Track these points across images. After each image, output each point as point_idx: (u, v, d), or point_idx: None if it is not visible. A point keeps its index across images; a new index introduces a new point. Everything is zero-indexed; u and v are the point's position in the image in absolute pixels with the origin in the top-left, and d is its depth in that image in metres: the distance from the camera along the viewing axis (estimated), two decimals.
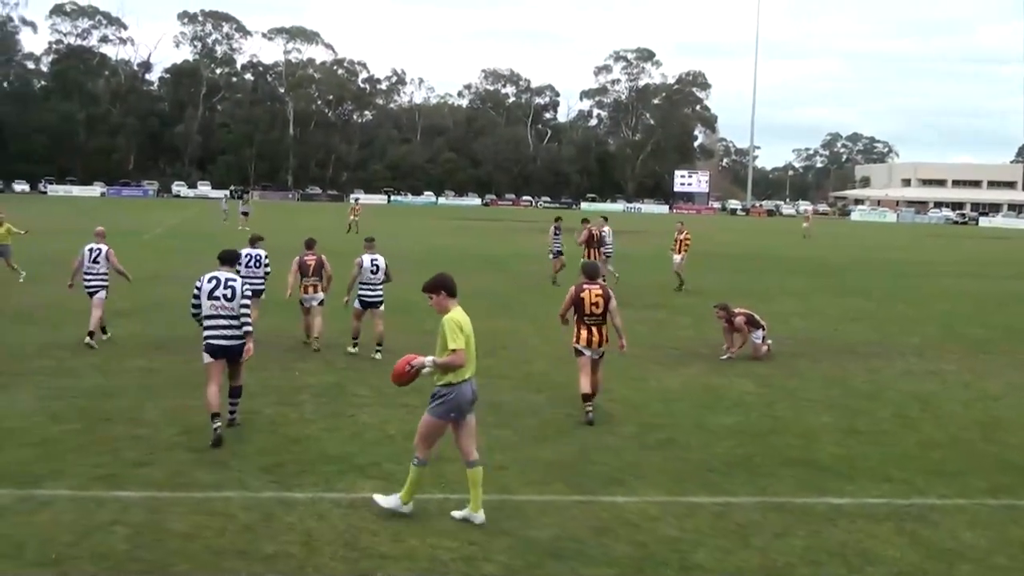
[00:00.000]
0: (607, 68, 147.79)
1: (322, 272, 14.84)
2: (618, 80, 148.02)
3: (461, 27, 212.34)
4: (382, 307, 14.22)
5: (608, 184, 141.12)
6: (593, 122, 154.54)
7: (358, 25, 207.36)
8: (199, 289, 9.65)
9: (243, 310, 9.57)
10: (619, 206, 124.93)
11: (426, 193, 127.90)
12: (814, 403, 11.83)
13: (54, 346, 14.02)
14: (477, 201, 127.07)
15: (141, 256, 26.81)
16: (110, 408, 10.41)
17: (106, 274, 14.79)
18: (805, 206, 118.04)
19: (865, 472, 8.95)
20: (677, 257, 24.84)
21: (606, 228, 24.39)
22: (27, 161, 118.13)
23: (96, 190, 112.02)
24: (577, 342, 10.83)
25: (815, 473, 8.88)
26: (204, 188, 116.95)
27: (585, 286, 10.86)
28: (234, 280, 9.70)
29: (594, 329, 10.75)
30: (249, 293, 10.01)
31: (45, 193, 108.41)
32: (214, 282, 9.61)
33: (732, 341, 14.80)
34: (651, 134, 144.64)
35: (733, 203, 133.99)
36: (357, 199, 66.40)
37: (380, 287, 14.20)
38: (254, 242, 15.41)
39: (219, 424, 9.21)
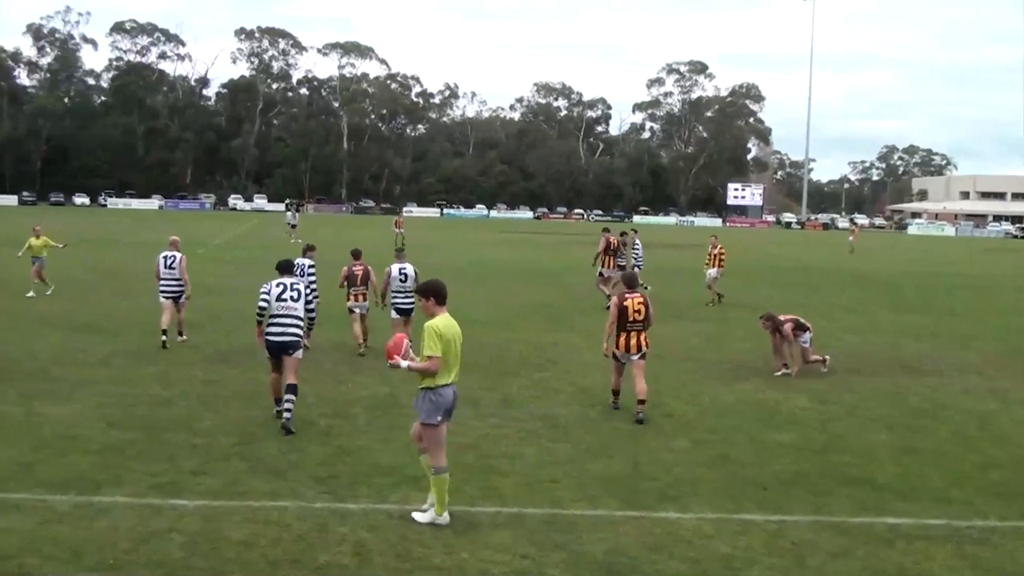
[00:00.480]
0: (660, 81, 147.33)
1: (368, 282, 15.49)
2: (671, 93, 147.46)
3: (513, 41, 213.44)
4: (413, 314, 14.56)
5: (660, 197, 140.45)
6: (646, 135, 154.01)
7: (411, 40, 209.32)
8: (267, 293, 10.65)
9: (311, 296, 11.05)
10: (671, 219, 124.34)
11: (478, 206, 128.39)
12: (871, 420, 11.63)
13: (115, 355, 14.30)
14: (529, 214, 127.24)
15: (199, 268, 27.25)
16: (168, 417, 10.59)
17: (180, 279, 15.77)
18: (858, 219, 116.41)
19: (924, 492, 8.77)
20: (712, 271, 24.55)
21: (637, 240, 24.74)
22: (88, 175, 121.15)
23: (154, 203, 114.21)
24: (617, 348, 11.40)
25: (872, 492, 8.72)
26: (260, 201, 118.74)
27: (627, 296, 11.47)
28: (298, 284, 10.96)
29: (634, 335, 11.37)
30: (315, 282, 11.41)
31: (105, 206, 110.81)
32: (281, 287, 10.70)
33: (782, 354, 14.63)
34: (704, 147, 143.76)
35: (788, 216, 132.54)
36: (399, 212, 66.70)
37: (411, 295, 14.51)
38: (306, 251, 15.90)
39: (282, 407, 10.26)
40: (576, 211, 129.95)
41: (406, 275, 14.76)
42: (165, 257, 15.93)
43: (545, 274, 31.99)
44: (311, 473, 8.66)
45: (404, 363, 7.74)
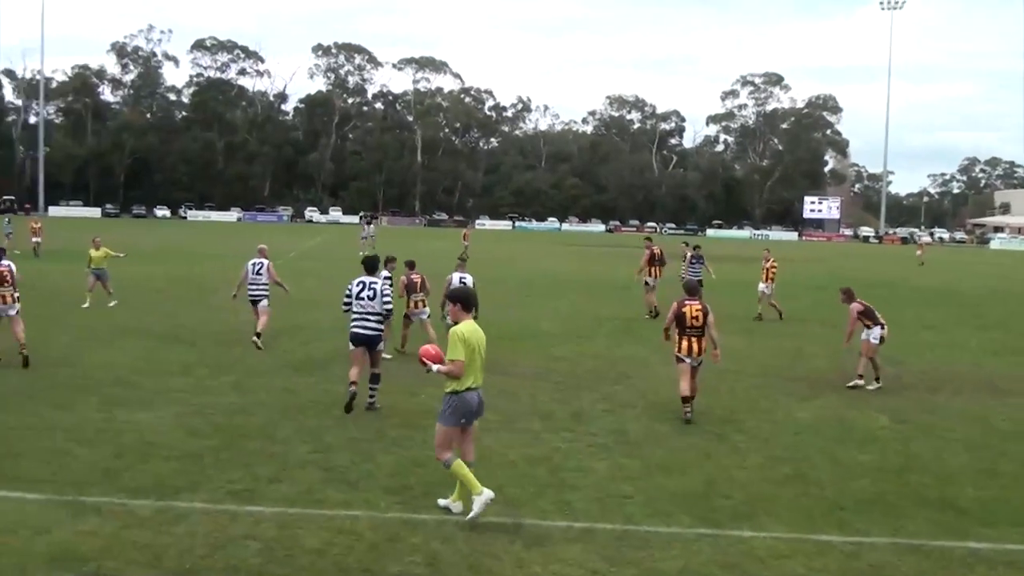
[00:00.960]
0: (734, 93, 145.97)
1: (424, 289, 16.28)
2: (745, 105, 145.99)
3: (586, 55, 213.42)
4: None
5: (735, 210, 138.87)
6: (719, 147, 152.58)
7: (485, 55, 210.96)
8: (350, 292, 11.75)
9: (385, 307, 11.75)
10: (746, 233, 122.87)
11: (550, 219, 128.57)
12: (952, 441, 11.30)
13: (193, 365, 14.62)
14: (601, 227, 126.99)
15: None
16: (246, 425, 10.78)
17: (267, 285, 16.98)
18: (923, 235, 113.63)
19: (1006, 517, 8.48)
20: (762, 286, 24.07)
21: (692, 254, 25.14)
22: (169, 188, 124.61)
23: (233, 215, 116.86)
24: (679, 352, 12.08)
25: (953, 515, 8.46)
26: (335, 213, 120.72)
27: (687, 302, 12.16)
28: (375, 283, 11.81)
29: (694, 340, 11.98)
30: (389, 293, 12.22)
31: (185, 218, 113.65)
32: (360, 285, 11.73)
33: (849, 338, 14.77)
34: (779, 159, 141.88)
35: (865, 230, 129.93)
36: (469, 225, 66.97)
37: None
38: (387, 262, 16.16)
39: (354, 390, 11.23)
40: (649, 224, 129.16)
41: (464, 283, 15.36)
42: (253, 264, 17.05)
43: (616, 287, 31.82)
44: (383, 483, 8.74)
45: (435, 367, 8.07)
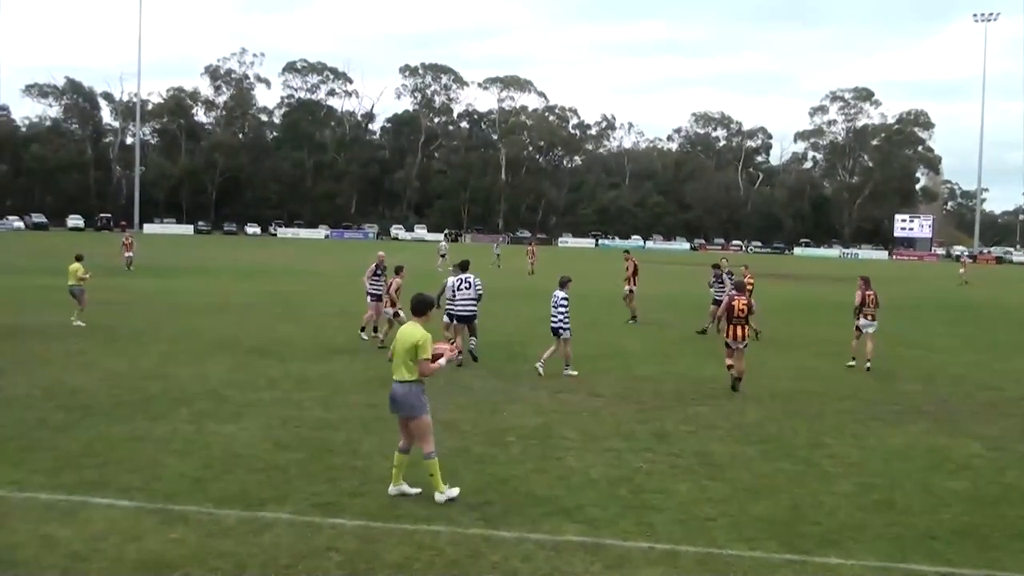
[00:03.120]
0: (823, 109, 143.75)
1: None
2: (834, 121, 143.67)
3: (671, 72, 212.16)
4: (568, 333, 16.17)
5: (823, 229, 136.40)
6: (807, 164, 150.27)
7: (569, 73, 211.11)
8: (450, 286, 16.51)
9: (478, 291, 16.80)
10: (834, 252, 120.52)
11: (633, 237, 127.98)
12: None
13: (281, 379, 14.89)
14: (686, 245, 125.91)
15: (360, 295, 28.33)
16: (331, 439, 10.93)
17: (383, 288, 19.31)
18: (963, 252, 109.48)
19: None
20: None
21: (723, 271, 24.49)
22: (259, 206, 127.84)
23: (321, 233, 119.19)
24: (728, 337, 15.16)
25: None
26: (420, 231, 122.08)
27: (736, 296, 15.43)
28: (470, 277, 16.69)
29: (739, 328, 15.04)
30: (480, 285, 16.88)
31: (275, 235, 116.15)
32: (459, 280, 16.63)
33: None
34: (869, 176, 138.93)
35: (958, 249, 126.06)
36: (531, 241, 66.93)
37: (562, 318, 16.13)
38: (464, 267, 17.50)
39: (462, 358, 15.26)
40: (734, 242, 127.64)
41: (561, 296, 16.22)
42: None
43: (701, 306, 31.41)
44: (465, 500, 8.75)
45: (443, 363, 9.00)
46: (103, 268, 39.57)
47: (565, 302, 16.11)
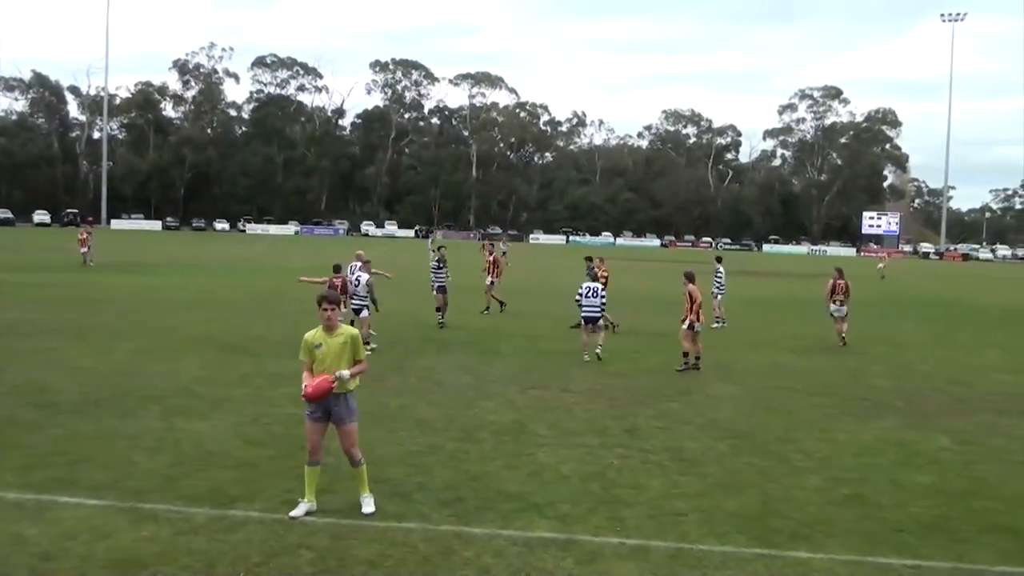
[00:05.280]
0: (792, 107, 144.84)
1: (345, 292, 17.88)
2: (803, 119, 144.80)
3: (642, 70, 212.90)
4: (601, 322, 18.06)
5: (792, 225, 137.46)
6: (776, 162, 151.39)
7: (541, 70, 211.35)
8: (581, 292, 17.84)
9: (602, 301, 17.85)
10: (803, 248, 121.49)
11: (604, 234, 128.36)
12: (1018, 464, 10.97)
13: (254, 375, 14.81)
14: (656, 242, 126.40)
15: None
16: (302, 436, 10.73)
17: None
18: (881, 250, 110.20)
19: None
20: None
21: (720, 268, 25.28)
22: (229, 202, 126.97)
23: (291, 229, 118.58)
24: (698, 320, 16.82)
25: (1017, 541, 8.19)
26: (391, 227, 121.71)
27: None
28: (594, 286, 17.85)
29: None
30: (604, 293, 18.17)
31: (244, 232, 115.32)
32: (587, 288, 17.78)
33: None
34: (838, 174, 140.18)
35: (925, 246, 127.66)
36: (504, 240, 67.37)
37: (599, 308, 17.82)
38: (594, 278, 18.86)
39: (587, 357, 17.22)
40: (704, 239, 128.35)
41: (594, 291, 17.95)
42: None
43: (671, 303, 31.56)
44: (437, 496, 8.74)
45: (347, 373, 8.16)
46: (69, 264, 39.17)
47: (604, 294, 18.13)
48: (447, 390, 14.12)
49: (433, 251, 51.06)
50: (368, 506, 8.23)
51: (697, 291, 17.22)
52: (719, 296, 24.96)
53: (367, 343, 17.52)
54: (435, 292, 23.18)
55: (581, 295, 17.93)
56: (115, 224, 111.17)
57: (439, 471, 9.63)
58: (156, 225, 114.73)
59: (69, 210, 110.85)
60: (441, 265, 23.75)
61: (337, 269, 18.86)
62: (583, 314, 17.85)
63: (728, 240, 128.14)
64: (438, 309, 22.75)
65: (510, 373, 15.82)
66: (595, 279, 18.55)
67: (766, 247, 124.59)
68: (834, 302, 21.67)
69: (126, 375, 14.46)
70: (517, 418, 12.31)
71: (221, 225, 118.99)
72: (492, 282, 26.54)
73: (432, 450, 10.42)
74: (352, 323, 17.89)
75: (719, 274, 25.20)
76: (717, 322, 24.17)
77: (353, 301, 18.30)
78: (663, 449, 10.92)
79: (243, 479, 9.09)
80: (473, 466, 9.87)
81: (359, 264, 19.45)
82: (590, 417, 12.56)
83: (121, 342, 17.98)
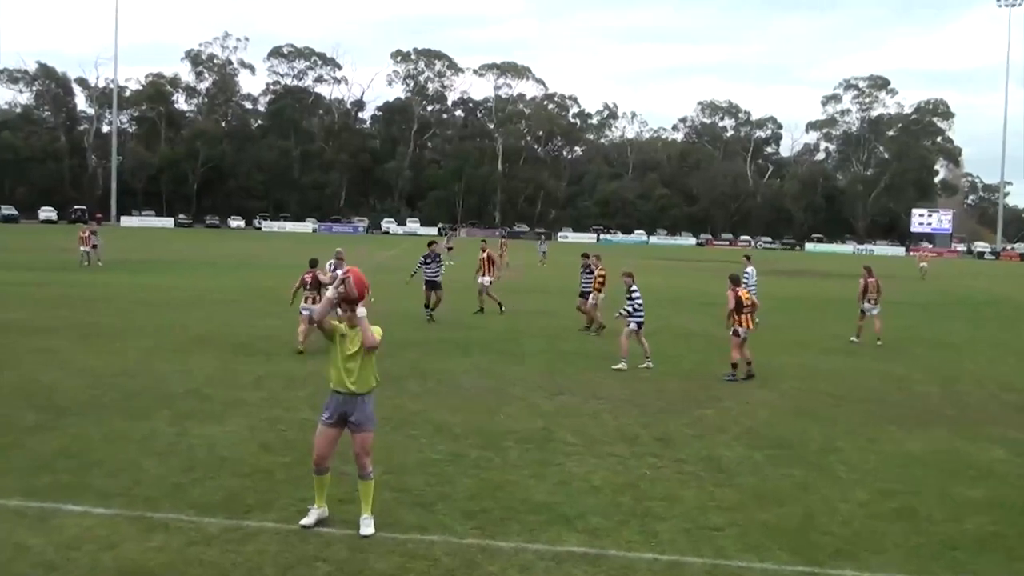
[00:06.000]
0: (836, 98, 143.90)
1: (320, 287, 17.95)
2: (848, 110, 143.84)
3: (677, 60, 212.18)
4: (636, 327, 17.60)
5: (836, 223, 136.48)
6: (820, 156, 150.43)
7: (570, 60, 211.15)
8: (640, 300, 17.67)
9: (637, 311, 17.56)
10: (848, 247, 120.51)
11: (637, 232, 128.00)
12: None
13: (268, 377, 14.87)
14: (691, 240, 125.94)
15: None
16: None
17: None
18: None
19: None
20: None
21: (749, 268, 24.90)
22: (243, 197, 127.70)
23: (308, 226, 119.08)
24: (741, 325, 16.52)
25: None
26: (413, 224, 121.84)
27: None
28: (636, 291, 17.65)
29: (747, 317, 16.66)
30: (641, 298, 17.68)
31: (259, 229, 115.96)
32: (637, 293, 17.61)
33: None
34: (885, 168, 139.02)
35: (981, 245, 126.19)
36: (503, 235, 67.65)
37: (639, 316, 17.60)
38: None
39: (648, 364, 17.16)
40: (743, 237, 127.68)
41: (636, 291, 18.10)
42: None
43: (705, 303, 31.42)
44: (460, 507, 8.73)
45: (363, 311, 8.04)
46: (75, 264, 39.50)
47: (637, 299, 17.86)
48: (468, 395, 14.12)
49: (447, 248, 51.76)
50: (367, 527, 7.96)
51: (742, 295, 16.88)
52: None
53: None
54: (424, 288, 23.84)
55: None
56: (124, 221, 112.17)
57: (461, 480, 9.62)
58: (168, 222, 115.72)
59: (76, 207, 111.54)
60: (429, 260, 24.16)
61: (313, 264, 18.90)
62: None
63: (768, 238, 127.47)
64: (426, 305, 23.56)
65: (534, 377, 15.81)
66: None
67: (808, 246, 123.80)
68: (868, 300, 22.54)
69: (135, 376, 14.56)
70: (543, 425, 12.28)
71: (236, 222, 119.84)
72: (490, 281, 26.35)
73: (454, 458, 10.41)
74: None
75: (748, 274, 25.07)
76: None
77: None
78: (698, 459, 10.85)
79: (258, 487, 9.11)
80: (497, 475, 9.85)
81: (334, 262, 19.64)
82: (620, 424, 12.51)
83: (129, 342, 18.12)
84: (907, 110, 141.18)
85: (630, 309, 17.64)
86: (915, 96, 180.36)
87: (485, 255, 26.36)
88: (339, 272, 18.25)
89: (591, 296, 22.39)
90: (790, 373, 17.36)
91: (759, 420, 13.11)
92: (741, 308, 16.63)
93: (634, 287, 17.85)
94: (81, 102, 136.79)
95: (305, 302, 18.07)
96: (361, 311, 8.02)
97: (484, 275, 26.01)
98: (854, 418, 13.56)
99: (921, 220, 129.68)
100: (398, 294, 26.58)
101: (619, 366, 16.96)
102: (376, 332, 8.05)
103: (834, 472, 10.52)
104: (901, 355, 20.57)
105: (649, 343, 17.79)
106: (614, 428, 12.28)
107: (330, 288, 8.15)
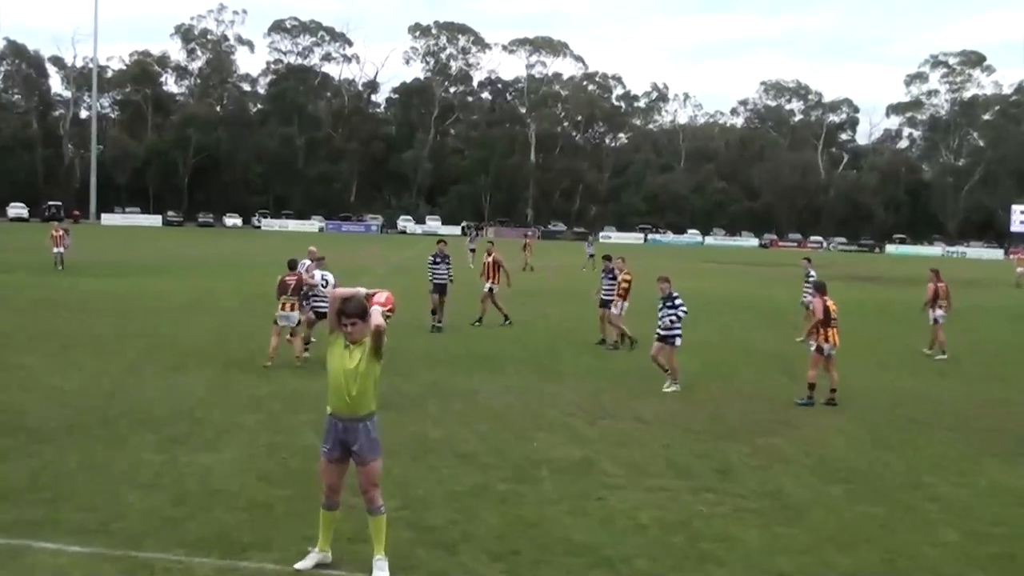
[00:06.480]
0: (921, 76, 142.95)
1: (301, 291, 18.50)
2: (936, 91, 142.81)
3: (735, 34, 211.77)
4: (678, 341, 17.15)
5: (922, 220, 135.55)
6: (903, 144, 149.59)
7: (613, 34, 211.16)
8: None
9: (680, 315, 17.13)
10: (936, 249, 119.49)
11: (690, 231, 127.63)
12: None
13: (268, 398, 14.96)
14: (753, 241, 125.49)
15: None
16: None
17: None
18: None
19: None
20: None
21: (812, 271, 25.72)
22: (241, 192, 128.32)
23: (314, 224, 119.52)
24: (824, 342, 16.30)
25: None
26: (433, 223, 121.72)
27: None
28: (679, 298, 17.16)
29: (834, 331, 16.54)
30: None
31: (259, 228, 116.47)
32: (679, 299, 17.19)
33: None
34: (980, 158, 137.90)
35: None
36: (527, 235, 68.18)
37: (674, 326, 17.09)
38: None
39: (672, 387, 16.74)
40: (813, 238, 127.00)
41: (327, 282, 18.31)
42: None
43: (771, 313, 31.31)
44: (487, 547, 8.73)
45: (379, 316, 8.09)
46: (49, 266, 39.92)
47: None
48: (498, 418, 14.12)
49: (471, 250, 51.83)
50: (380, 571, 7.92)
51: (830, 305, 16.68)
52: (811, 305, 24.56)
53: (306, 349, 18.65)
54: (431, 292, 24.39)
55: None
56: (106, 219, 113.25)
57: (489, 517, 9.61)
58: (155, 220, 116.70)
59: (51, 203, 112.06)
60: (439, 260, 24.72)
61: (292, 266, 19.05)
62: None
63: (842, 239, 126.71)
64: (433, 311, 24.09)
65: (574, 398, 15.79)
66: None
67: (890, 248, 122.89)
68: (937, 307, 22.90)
69: (117, 396, 14.68)
70: (583, 453, 12.26)
71: (232, 220, 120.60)
72: (491, 288, 25.94)
73: (480, 491, 10.41)
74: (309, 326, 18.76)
75: (811, 278, 24.98)
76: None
77: (316, 302, 18.53)
78: (761, 494, 10.80)
79: (256, 523, 9.15)
80: (530, 511, 9.84)
81: (308, 263, 19.78)
82: (672, 454, 12.47)
83: (110, 356, 18.29)
84: (1006, 90, 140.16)
85: (669, 320, 17.06)
86: (1015, 75, 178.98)
87: (491, 259, 26.13)
88: (319, 274, 18.26)
89: (614, 304, 22.10)
90: (869, 395, 17.25)
91: (833, 449, 13.03)
92: (828, 320, 16.48)
93: (675, 293, 17.30)
94: (56, 84, 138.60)
95: (283, 309, 18.14)
96: (377, 313, 8.05)
97: (489, 280, 25.79)
98: (943, 448, 13.44)
99: (1022, 218, 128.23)
100: (418, 302, 26.64)
101: (671, 387, 16.85)
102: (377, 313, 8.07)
103: (920, 510, 10.43)
104: (997, 375, 20.37)
105: (702, 359, 17.73)
106: (664, 458, 12.25)
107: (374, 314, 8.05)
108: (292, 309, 18.18)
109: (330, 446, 8.14)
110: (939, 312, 22.80)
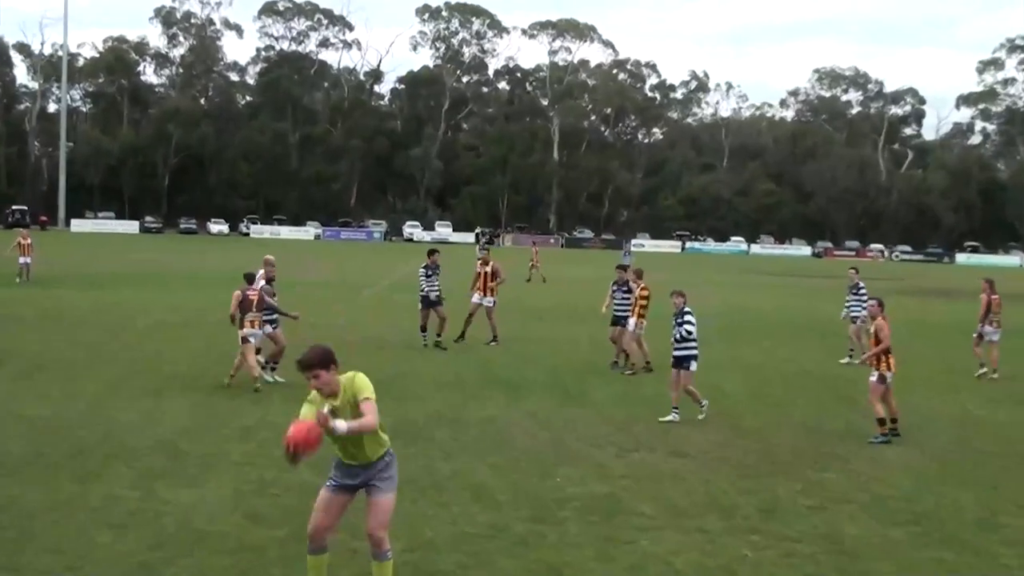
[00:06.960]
0: (996, 63, 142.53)
1: (262, 308, 18.90)
2: (1013, 79, 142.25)
3: (784, 17, 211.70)
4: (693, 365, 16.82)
5: (997, 226, 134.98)
6: (975, 139, 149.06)
7: (646, 16, 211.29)
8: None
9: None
10: (1014, 259, 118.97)
11: (734, 239, 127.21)
12: None
13: (258, 427, 15.00)
14: (805, 250, 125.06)
15: (360, 317, 28.37)
16: None
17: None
18: None
19: None
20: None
21: (861, 283, 25.84)
22: (227, 194, 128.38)
23: (310, 231, 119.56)
24: (884, 369, 15.83)
25: None
26: (443, 230, 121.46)
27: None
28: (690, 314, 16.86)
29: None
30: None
31: (247, 235, 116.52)
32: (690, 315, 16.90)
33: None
34: None
35: None
36: (534, 243, 68.64)
37: (687, 347, 16.80)
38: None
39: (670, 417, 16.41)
40: (873, 246, 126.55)
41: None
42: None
43: (829, 332, 31.19)
44: None
45: (343, 425, 7.77)
46: (6, 277, 40.01)
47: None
48: (516, 450, 14.13)
49: (478, 261, 51.85)
50: None
51: (887, 328, 16.04)
52: (858, 320, 24.46)
53: (265, 367, 19.11)
54: (420, 308, 24.65)
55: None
56: (76, 225, 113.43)
57: (505, 561, 9.63)
58: (131, 226, 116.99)
59: (15, 207, 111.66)
60: (430, 273, 24.80)
61: (250, 279, 19.34)
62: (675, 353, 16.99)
63: (907, 247, 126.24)
64: (423, 328, 24.52)
65: (602, 428, 15.77)
66: (628, 292, 17.84)
67: (960, 257, 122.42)
68: (990, 323, 23.25)
69: (88, 425, 14.73)
70: (611, 490, 12.26)
71: (217, 227, 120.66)
72: (481, 301, 25.70)
73: (496, 532, 10.42)
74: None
75: (861, 291, 24.86)
76: (850, 354, 23.93)
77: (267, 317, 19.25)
78: (814, 536, 10.78)
79: (244, 568, 9.20)
80: (551, 555, 9.85)
81: (263, 272, 20.01)
82: (711, 490, 12.46)
83: (82, 380, 18.36)
84: None
85: (673, 338, 16.97)
86: None
87: (489, 268, 25.77)
88: (267, 286, 18.07)
89: (630, 322, 21.88)
90: (935, 425, 17.19)
91: (895, 487, 12.99)
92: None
93: (687, 309, 17.02)
94: (21, 74, 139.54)
95: (251, 326, 18.59)
96: (340, 425, 7.80)
97: (482, 294, 25.45)
98: (1021, 484, 13.38)
99: None
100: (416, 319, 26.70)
101: (701, 414, 16.78)
102: (370, 412, 7.90)
103: (996, 556, 10.40)
104: None
105: (747, 383, 17.67)
106: (703, 495, 12.24)
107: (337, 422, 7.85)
108: (260, 326, 18.73)
109: (340, 475, 8.15)
110: (989, 328, 23.13)
